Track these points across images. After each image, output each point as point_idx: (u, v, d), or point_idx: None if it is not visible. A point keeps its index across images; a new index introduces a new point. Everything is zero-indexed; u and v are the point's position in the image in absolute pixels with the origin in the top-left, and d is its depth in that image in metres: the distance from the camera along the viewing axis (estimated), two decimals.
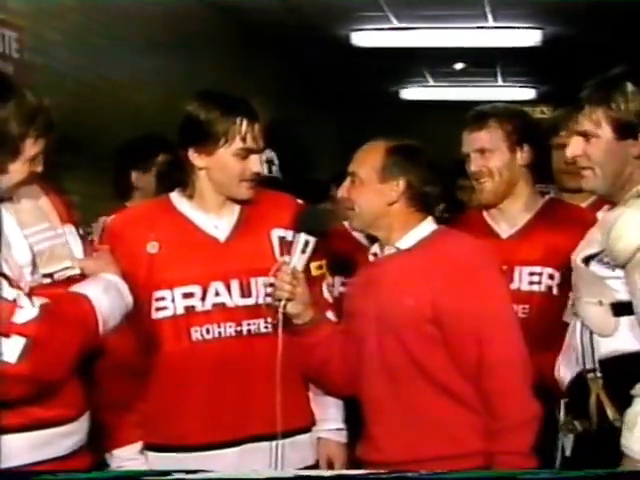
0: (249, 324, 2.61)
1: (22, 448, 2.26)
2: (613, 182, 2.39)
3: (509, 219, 3.00)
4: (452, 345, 2.55)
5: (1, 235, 2.27)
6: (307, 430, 2.71)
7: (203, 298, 2.59)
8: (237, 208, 2.68)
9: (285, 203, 2.75)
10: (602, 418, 2.34)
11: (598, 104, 2.37)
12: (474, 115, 2.99)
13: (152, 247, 2.61)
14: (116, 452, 2.62)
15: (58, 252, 2.39)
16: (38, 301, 2.24)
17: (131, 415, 2.62)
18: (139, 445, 2.64)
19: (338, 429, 2.76)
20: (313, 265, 2.69)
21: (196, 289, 2.59)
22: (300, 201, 2.78)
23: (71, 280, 2.39)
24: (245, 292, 2.61)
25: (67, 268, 2.39)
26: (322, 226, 2.65)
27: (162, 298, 2.59)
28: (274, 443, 2.62)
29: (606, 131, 2.37)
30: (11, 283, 2.23)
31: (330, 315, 2.74)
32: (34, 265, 2.33)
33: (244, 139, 2.58)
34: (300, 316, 2.59)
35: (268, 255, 2.65)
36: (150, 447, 2.64)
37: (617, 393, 2.32)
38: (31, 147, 2.32)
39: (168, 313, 2.59)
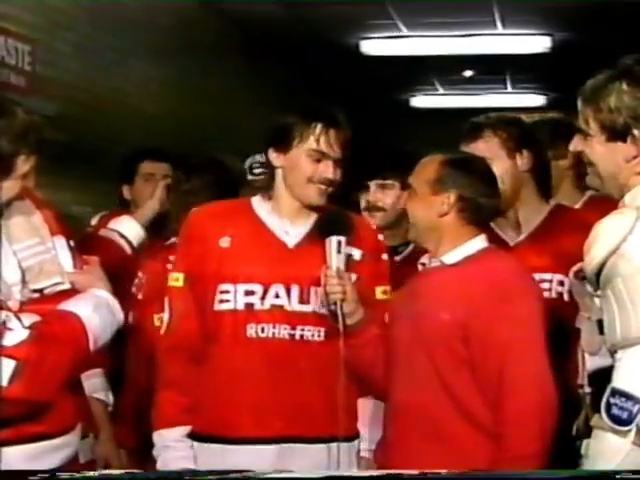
0: (303, 329, 2.70)
1: (11, 462, 2.27)
2: (610, 183, 2.32)
3: (516, 226, 3.01)
4: (477, 367, 2.57)
5: None
6: (352, 439, 2.77)
7: (263, 297, 2.70)
8: (312, 218, 2.76)
9: (360, 224, 2.85)
10: (588, 434, 2.28)
11: (588, 103, 2.30)
12: (469, 127, 3.02)
13: (225, 242, 2.73)
14: (163, 431, 2.71)
15: (48, 268, 2.40)
16: (27, 320, 2.25)
17: (182, 398, 2.71)
18: (185, 429, 2.71)
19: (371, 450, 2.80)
20: (379, 289, 2.79)
21: (258, 288, 2.70)
22: (375, 227, 2.95)
23: (61, 294, 2.40)
24: (304, 298, 2.70)
25: (57, 284, 2.40)
26: (345, 224, 2.73)
27: (226, 291, 2.70)
28: (312, 446, 2.69)
29: (596, 131, 2.30)
30: (0, 305, 2.24)
31: None
32: (24, 282, 2.34)
33: (317, 141, 2.69)
34: (352, 315, 2.67)
35: None
36: (195, 436, 2.71)
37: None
38: (23, 164, 2.33)
39: (229, 306, 2.70)
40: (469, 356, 2.57)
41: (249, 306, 2.69)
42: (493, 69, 10.06)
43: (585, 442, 2.22)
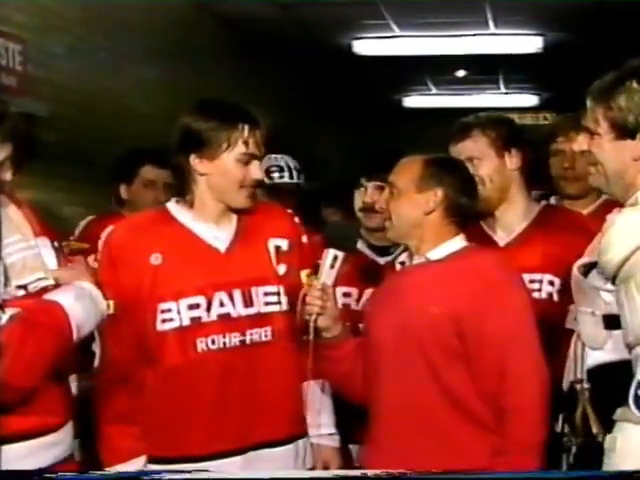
0: (252, 333, 2.64)
1: (4, 461, 2.26)
2: (616, 182, 2.33)
3: (506, 226, 3.02)
4: (472, 360, 2.57)
5: None
6: (305, 435, 2.75)
7: (208, 309, 2.62)
8: (234, 218, 2.71)
9: (278, 213, 2.81)
10: (587, 433, 2.32)
11: (598, 102, 2.31)
12: (457, 127, 3.03)
13: (155, 259, 2.62)
14: (120, 467, 2.61)
15: (31, 263, 2.38)
16: (9, 311, 2.23)
17: (132, 429, 2.62)
18: (143, 459, 2.64)
19: (330, 434, 2.79)
20: (304, 273, 2.74)
21: (201, 300, 2.61)
22: (290, 211, 2.85)
23: (45, 291, 2.38)
24: (247, 302, 2.64)
25: (40, 279, 2.38)
26: (348, 240, 2.70)
27: (168, 310, 2.60)
28: (279, 449, 2.66)
29: (605, 130, 2.30)
30: None
31: None
32: (6, 277, 2.32)
33: (246, 144, 2.62)
34: (330, 330, 2.65)
35: (266, 264, 2.69)
36: (153, 460, 2.64)
37: (603, 405, 2.28)
38: None
39: (174, 325, 2.61)
40: (464, 350, 2.56)
41: (195, 320, 2.60)
42: (486, 69, 10.07)
43: (610, 437, 2.19)
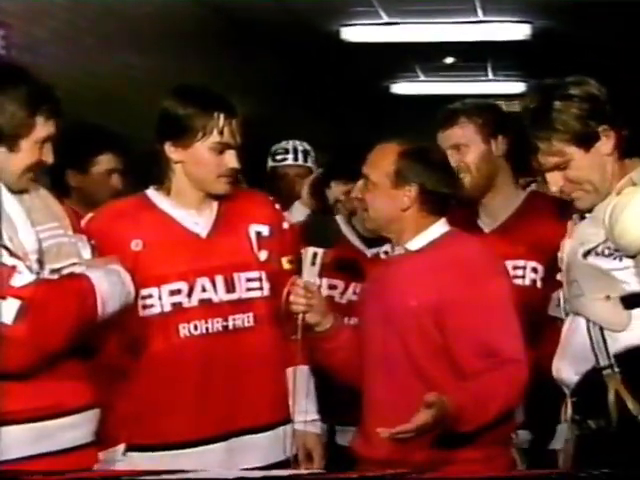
0: (234, 319, 2.64)
1: (24, 439, 2.29)
2: (603, 185, 2.37)
3: (491, 213, 3.02)
4: (452, 350, 2.55)
5: (1, 213, 2.32)
6: (288, 422, 2.74)
7: (190, 294, 2.61)
8: (215, 204, 2.70)
9: (260, 200, 2.81)
10: (623, 414, 2.30)
11: (544, 139, 2.36)
12: (444, 113, 3.03)
13: (136, 245, 2.62)
14: (100, 454, 2.57)
15: (66, 249, 2.42)
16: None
17: (114, 416, 2.59)
18: (122, 447, 2.62)
19: (313, 420, 2.78)
20: (284, 259, 2.73)
21: (183, 286, 2.61)
22: (272, 198, 2.84)
23: None
24: (230, 287, 2.64)
25: (74, 264, 2.42)
26: (329, 236, 2.67)
27: (149, 296, 2.60)
28: (262, 435, 2.65)
29: (574, 151, 2.36)
30: (11, 253, 2.28)
31: None
32: (40, 254, 2.36)
33: (221, 133, 2.60)
34: (320, 324, 2.65)
35: (247, 250, 2.69)
36: (133, 448, 2.63)
37: (637, 387, 2.29)
38: (42, 127, 2.37)
39: (156, 310, 2.61)
40: (443, 341, 2.55)
41: (177, 306, 2.60)
42: (474, 56, 10.06)
43: None
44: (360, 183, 2.72)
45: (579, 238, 2.42)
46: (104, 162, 3.54)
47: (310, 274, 2.62)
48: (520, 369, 2.51)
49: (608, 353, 2.34)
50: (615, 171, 2.38)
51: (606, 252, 2.32)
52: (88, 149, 3.55)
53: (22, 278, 2.26)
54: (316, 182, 3.89)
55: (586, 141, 2.35)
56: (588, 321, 2.38)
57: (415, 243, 2.64)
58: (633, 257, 2.28)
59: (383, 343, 2.62)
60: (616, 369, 2.33)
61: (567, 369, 2.44)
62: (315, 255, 2.61)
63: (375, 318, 2.65)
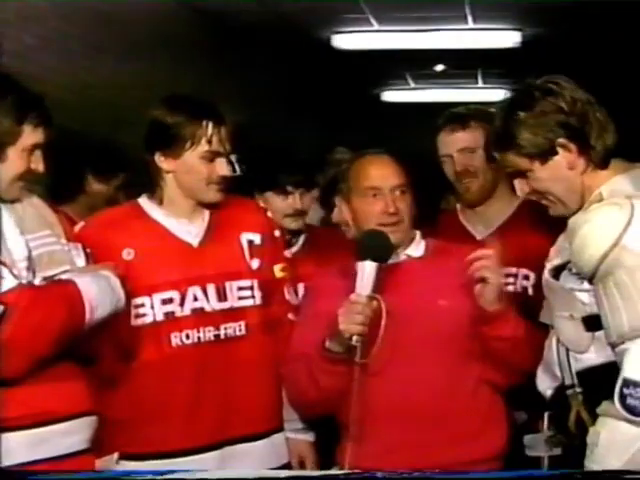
0: (226, 328, 2.64)
1: (18, 446, 2.28)
2: (570, 198, 2.34)
3: (485, 221, 3.02)
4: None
5: None
6: (281, 430, 2.75)
7: (182, 304, 2.62)
8: (207, 213, 2.71)
9: (251, 208, 2.82)
10: (583, 434, 2.28)
11: (504, 149, 2.35)
12: (452, 116, 3.01)
13: (128, 254, 2.62)
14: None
15: (58, 257, 2.42)
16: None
17: (107, 424, 2.58)
18: (116, 455, 2.63)
19: (304, 428, 2.78)
20: (277, 267, 2.73)
21: (175, 295, 2.62)
22: (263, 206, 2.87)
23: None
24: (221, 296, 2.65)
25: (66, 272, 2.42)
26: (383, 249, 2.53)
27: (141, 305, 2.61)
28: (255, 444, 2.65)
29: (529, 164, 2.33)
30: None
31: (291, 316, 2.77)
32: (30, 261, 2.35)
33: (210, 142, 2.61)
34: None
35: (239, 259, 2.70)
36: (126, 457, 2.63)
37: (596, 406, 2.26)
38: (29, 135, 2.36)
39: (148, 320, 2.61)
40: (472, 347, 2.57)
41: (169, 315, 2.61)
42: (464, 64, 10.08)
43: (592, 431, 2.20)
44: (389, 198, 2.67)
45: (556, 250, 2.41)
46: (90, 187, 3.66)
47: (363, 288, 2.47)
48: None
49: (571, 372, 2.33)
50: (587, 182, 2.32)
51: (573, 270, 2.28)
52: (114, 164, 3.77)
53: (5, 283, 2.25)
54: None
55: (540, 155, 2.31)
56: (557, 338, 2.37)
57: (417, 250, 2.75)
58: (590, 280, 2.21)
59: (411, 353, 2.57)
60: (577, 389, 2.32)
61: (544, 382, 2.44)
62: (370, 270, 2.46)
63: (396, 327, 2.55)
